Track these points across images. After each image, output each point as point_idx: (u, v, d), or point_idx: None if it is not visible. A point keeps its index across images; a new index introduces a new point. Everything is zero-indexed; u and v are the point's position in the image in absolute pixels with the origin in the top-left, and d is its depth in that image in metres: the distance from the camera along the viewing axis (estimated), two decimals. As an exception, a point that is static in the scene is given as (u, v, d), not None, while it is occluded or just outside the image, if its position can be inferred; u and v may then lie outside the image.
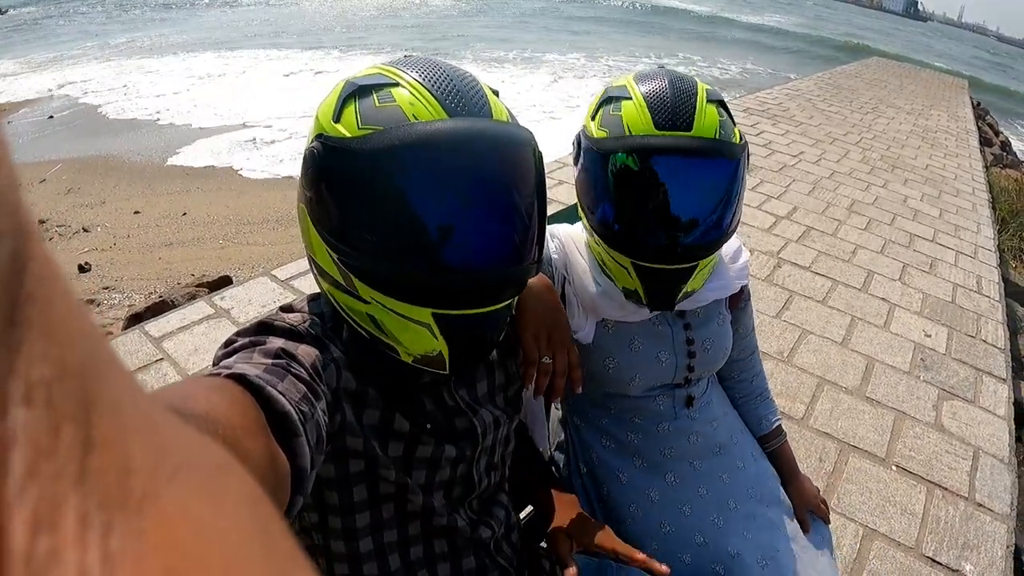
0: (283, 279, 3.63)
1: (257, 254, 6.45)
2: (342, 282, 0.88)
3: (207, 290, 4.11)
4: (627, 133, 1.16)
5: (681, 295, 1.25)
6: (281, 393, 0.67)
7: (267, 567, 0.18)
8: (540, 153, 0.93)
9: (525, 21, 31.05)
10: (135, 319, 3.60)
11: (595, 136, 1.21)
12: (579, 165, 1.26)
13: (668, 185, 1.15)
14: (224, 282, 4.44)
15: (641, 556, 1.10)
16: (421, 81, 0.85)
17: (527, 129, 0.91)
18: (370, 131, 0.82)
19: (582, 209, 1.28)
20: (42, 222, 7.44)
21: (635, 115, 1.16)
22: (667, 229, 1.18)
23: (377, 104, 0.84)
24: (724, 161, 1.16)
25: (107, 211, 8.03)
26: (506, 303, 0.93)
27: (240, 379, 0.66)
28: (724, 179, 1.17)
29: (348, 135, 0.83)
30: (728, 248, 1.40)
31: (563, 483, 1.43)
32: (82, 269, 6.11)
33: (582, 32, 28.68)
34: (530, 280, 1.17)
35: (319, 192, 0.85)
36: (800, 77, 14.62)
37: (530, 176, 0.91)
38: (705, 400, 1.47)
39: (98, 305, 5.24)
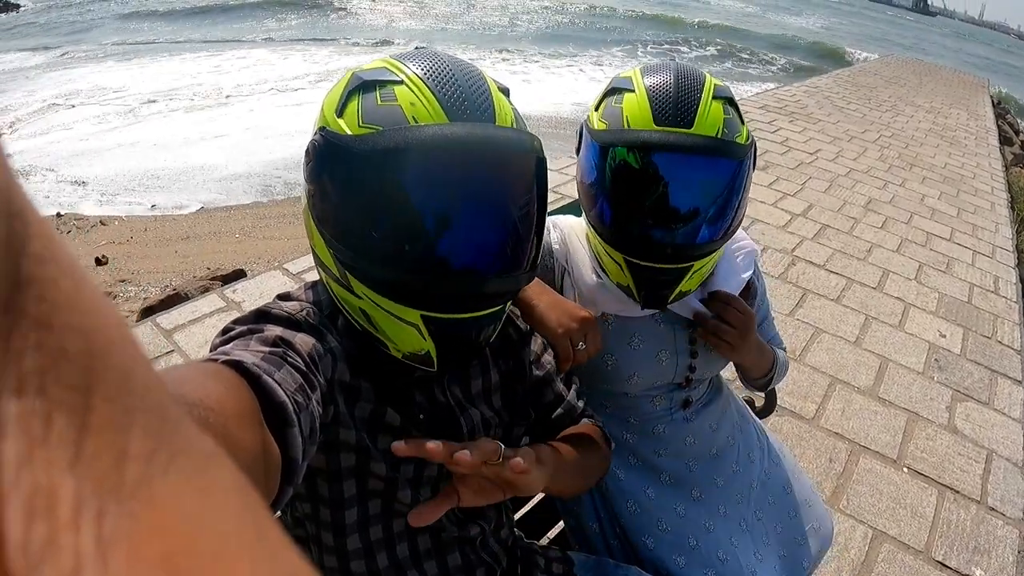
0: (295, 272, 3.66)
1: (273, 248, 6.48)
2: (337, 275, 0.89)
3: (220, 283, 4.14)
4: (626, 126, 1.13)
5: (675, 295, 1.23)
6: (277, 383, 0.67)
7: (259, 552, 0.18)
8: (544, 159, 0.92)
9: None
10: (148, 312, 3.64)
11: (595, 128, 1.19)
12: (579, 156, 1.25)
13: (664, 183, 1.13)
14: (238, 275, 4.48)
15: None
16: (424, 78, 0.84)
17: (531, 135, 0.90)
18: (369, 131, 0.82)
19: (580, 200, 1.27)
20: (58, 216, 7.52)
21: (635, 108, 1.13)
22: (660, 227, 1.16)
23: (379, 102, 0.83)
24: (724, 161, 1.13)
25: (124, 204, 8.09)
26: (497, 308, 0.93)
27: (237, 366, 0.66)
28: (723, 179, 1.14)
29: (349, 132, 0.83)
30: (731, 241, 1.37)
31: None
32: (99, 262, 6.16)
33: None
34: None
35: (318, 185, 0.86)
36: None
37: (528, 185, 0.90)
38: (703, 402, 1.45)
39: (114, 298, 5.28)
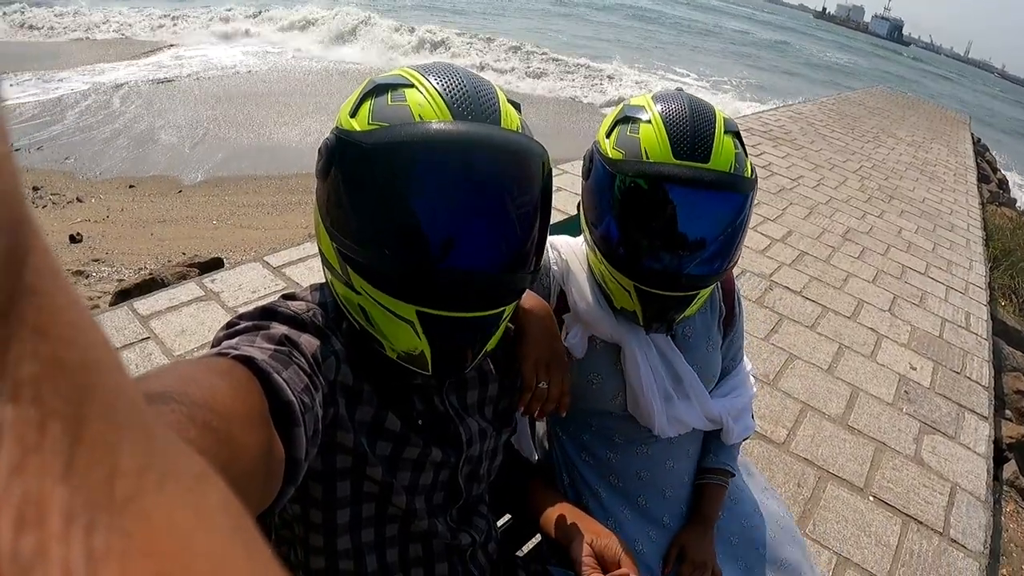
0: (275, 266, 3.62)
1: (250, 238, 6.42)
2: (339, 270, 0.90)
3: (198, 271, 4.09)
4: (644, 157, 1.15)
5: (679, 320, 1.28)
6: (285, 381, 0.68)
7: (249, 573, 0.18)
8: (549, 167, 0.94)
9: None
10: (123, 295, 3.58)
11: (610, 156, 1.19)
12: (589, 180, 1.25)
13: (679, 215, 1.16)
14: (215, 264, 4.43)
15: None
16: (436, 85, 0.87)
17: (537, 142, 0.92)
18: (376, 127, 0.85)
19: (587, 224, 1.27)
20: (36, 189, 7.40)
21: (653, 140, 1.15)
22: (673, 257, 1.18)
23: (389, 103, 0.86)
24: (736, 195, 1.16)
25: (102, 182, 7.98)
26: (493, 311, 0.92)
27: (248, 362, 0.67)
28: (734, 213, 1.18)
29: (359, 129, 0.86)
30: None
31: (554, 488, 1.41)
32: (73, 239, 6.07)
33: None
34: (532, 304, 1.18)
35: (326, 181, 0.88)
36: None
37: (530, 186, 0.92)
38: None
39: (87, 277, 5.19)
